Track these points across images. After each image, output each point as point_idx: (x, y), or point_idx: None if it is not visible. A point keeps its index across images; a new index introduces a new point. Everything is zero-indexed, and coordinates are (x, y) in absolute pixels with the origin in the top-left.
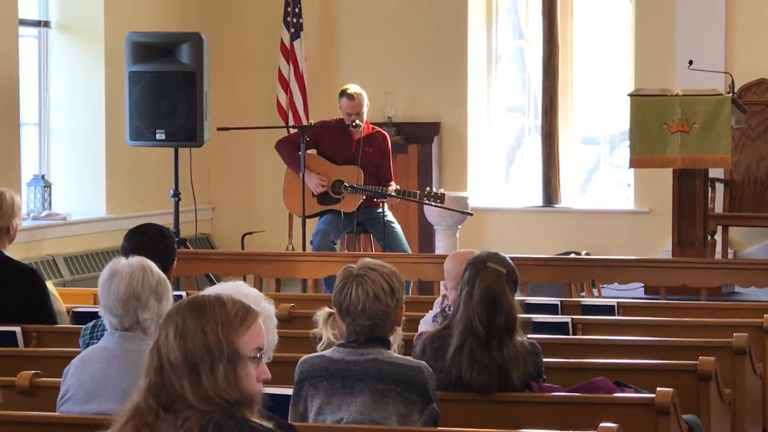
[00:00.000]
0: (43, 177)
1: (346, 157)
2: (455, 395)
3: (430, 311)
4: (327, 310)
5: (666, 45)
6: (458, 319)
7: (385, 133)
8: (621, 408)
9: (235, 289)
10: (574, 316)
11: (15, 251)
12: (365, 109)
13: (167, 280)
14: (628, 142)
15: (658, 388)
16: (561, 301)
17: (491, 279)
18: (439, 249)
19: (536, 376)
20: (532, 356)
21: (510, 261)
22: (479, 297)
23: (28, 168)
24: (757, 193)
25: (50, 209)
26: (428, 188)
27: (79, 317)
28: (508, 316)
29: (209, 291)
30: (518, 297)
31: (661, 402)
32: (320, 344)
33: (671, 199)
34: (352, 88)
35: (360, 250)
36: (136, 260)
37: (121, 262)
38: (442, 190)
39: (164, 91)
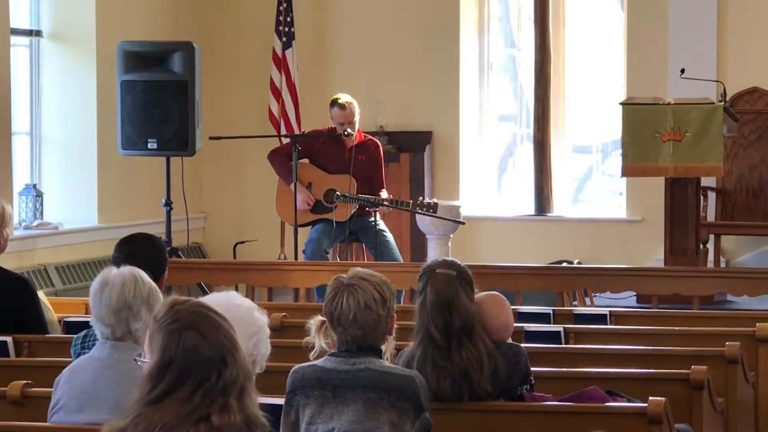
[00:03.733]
0: (34, 186)
1: (338, 165)
2: (447, 405)
3: None
4: (320, 318)
5: (658, 53)
6: (416, 331)
7: (377, 141)
8: (613, 417)
9: (227, 299)
10: (566, 325)
11: (6, 261)
12: (357, 118)
13: (159, 290)
14: (620, 151)
15: (651, 398)
16: (553, 310)
17: (441, 283)
18: (432, 258)
19: (522, 378)
20: (511, 357)
21: (460, 264)
22: (432, 303)
23: (20, 177)
24: (749, 201)
25: (42, 219)
26: (421, 198)
27: (71, 327)
28: (463, 318)
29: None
30: (513, 307)
31: (653, 411)
32: (312, 353)
33: (663, 208)
34: (343, 97)
35: (352, 259)
36: (127, 270)
37: (113, 272)
38: (434, 200)
39: (156, 100)
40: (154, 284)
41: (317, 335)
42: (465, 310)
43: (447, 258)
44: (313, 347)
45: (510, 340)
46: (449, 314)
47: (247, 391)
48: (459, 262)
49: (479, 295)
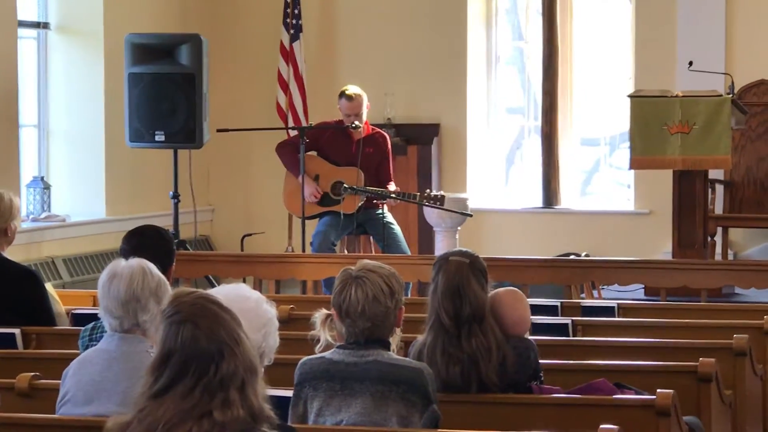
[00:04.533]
0: (42, 179)
1: (346, 158)
2: (456, 396)
3: None
4: (324, 311)
5: (666, 46)
6: (427, 318)
7: (385, 134)
8: (621, 409)
9: (236, 291)
10: (574, 318)
11: (14, 253)
12: (365, 110)
13: (167, 282)
14: (628, 144)
15: (659, 390)
16: (561, 303)
17: (453, 270)
18: (439, 250)
19: (531, 374)
20: (522, 351)
21: (475, 253)
22: (443, 289)
23: (28, 170)
24: (757, 194)
25: (49, 211)
26: (428, 190)
27: (79, 319)
28: (473, 305)
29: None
30: None
31: (661, 403)
32: (318, 346)
33: (671, 201)
34: (352, 89)
35: (360, 252)
36: (136, 262)
37: (121, 263)
38: (442, 193)
39: (163, 93)
40: (162, 276)
41: (322, 328)
42: (475, 298)
43: (462, 248)
44: (318, 341)
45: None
46: (459, 300)
47: (250, 384)
48: (473, 252)
49: (497, 290)
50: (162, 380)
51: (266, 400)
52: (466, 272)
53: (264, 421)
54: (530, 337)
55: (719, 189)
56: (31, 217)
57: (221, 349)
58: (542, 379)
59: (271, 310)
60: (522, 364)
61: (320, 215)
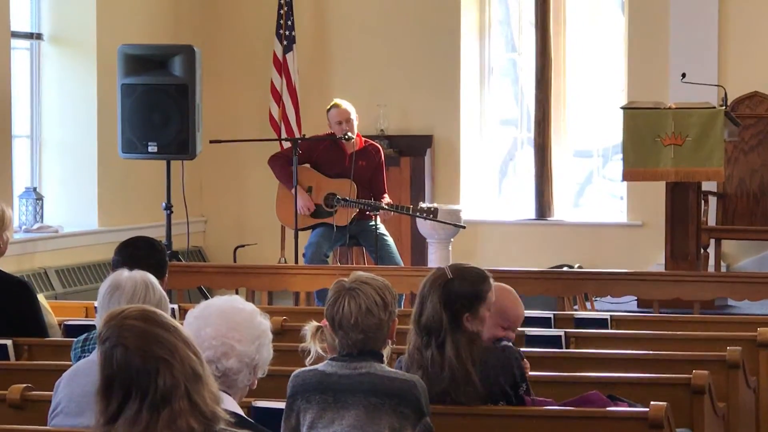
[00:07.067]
0: (34, 189)
1: (339, 170)
2: (447, 408)
3: None
4: (315, 323)
5: (659, 58)
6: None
7: (378, 146)
8: (614, 422)
9: (230, 303)
10: (567, 330)
11: (6, 264)
12: (354, 117)
13: (167, 299)
14: (621, 155)
15: (652, 402)
16: (554, 315)
17: (431, 277)
18: (432, 262)
19: (514, 384)
20: (504, 360)
21: (470, 276)
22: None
23: (20, 180)
24: (750, 206)
25: (42, 222)
26: (421, 203)
27: (71, 330)
28: (429, 318)
29: (205, 304)
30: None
31: (654, 416)
32: (309, 358)
33: (664, 212)
34: (337, 100)
35: (352, 263)
36: (139, 276)
37: (124, 275)
38: (435, 205)
39: (156, 104)
40: (164, 293)
41: (313, 341)
42: (432, 313)
43: (473, 266)
44: (308, 353)
45: (510, 344)
46: (420, 308)
47: (195, 391)
48: (472, 275)
49: (497, 284)
50: (111, 407)
51: (216, 402)
52: (438, 284)
53: (219, 421)
54: (523, 349)
55: (712, 201)
56: (23, 228)
57: (156, 366)
58: (527, 388)
59: (264, 322)
60: (505, 374)
61: (313, 227)
